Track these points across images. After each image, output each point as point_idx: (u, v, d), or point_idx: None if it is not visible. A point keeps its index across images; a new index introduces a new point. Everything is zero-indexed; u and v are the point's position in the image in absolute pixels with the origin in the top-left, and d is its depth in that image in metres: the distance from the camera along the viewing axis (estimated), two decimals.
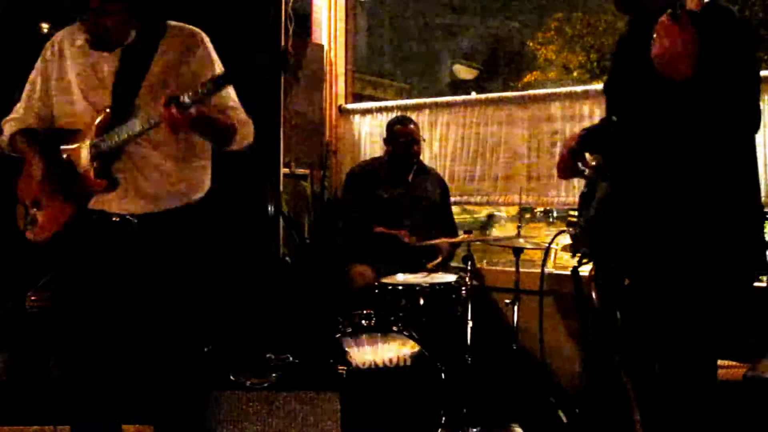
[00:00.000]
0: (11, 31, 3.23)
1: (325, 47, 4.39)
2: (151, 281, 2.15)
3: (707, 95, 1.71)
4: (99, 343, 2.14)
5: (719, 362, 2.47)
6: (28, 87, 2.28)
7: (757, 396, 2.35)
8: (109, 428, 2.22)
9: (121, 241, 2.15)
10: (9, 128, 2.29)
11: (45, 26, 3.31)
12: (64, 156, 2.17)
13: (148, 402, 2.25)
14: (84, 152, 2.13)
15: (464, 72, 23.88)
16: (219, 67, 2.20)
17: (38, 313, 2.94)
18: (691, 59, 1.65)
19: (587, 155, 2.16)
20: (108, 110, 2.11)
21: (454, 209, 4.12)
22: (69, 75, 2.18)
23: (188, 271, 2.22)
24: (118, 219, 2.15)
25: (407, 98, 6.09)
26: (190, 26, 2.25)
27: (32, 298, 2.96)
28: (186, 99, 1.90)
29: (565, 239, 2.35)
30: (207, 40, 2.24)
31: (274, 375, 2.75)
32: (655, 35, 1.69)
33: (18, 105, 2.30)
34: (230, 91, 2.21)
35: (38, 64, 2.27)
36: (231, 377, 2.73)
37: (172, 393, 2.19)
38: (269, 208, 3.75)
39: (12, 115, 2.30)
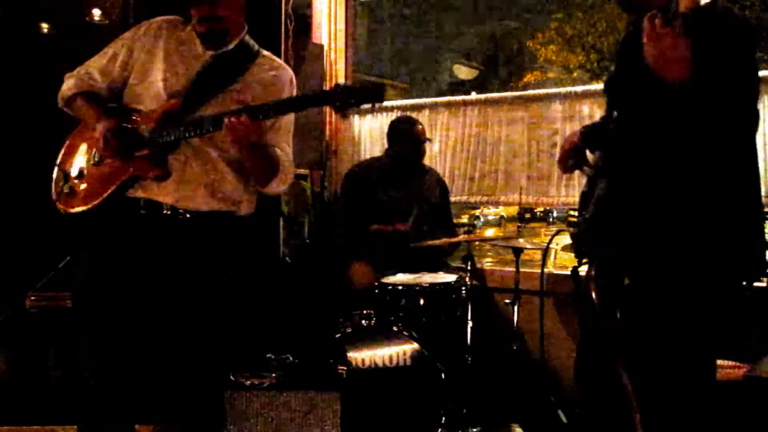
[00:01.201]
0: (11, 31, 3.23)
1: (325, 47, 4.39)
2: (190, 281, 2.12)
3: (706, 95, 1.71)
4: (123, 338, 2.08)
5: (719, 362, 2.47)
6: (110, 52, 2.24)
7: (757, 396, 2.35)
8: (122, 427, 2.18)
9: (168, 234, 2.11)
10: (76, 85, 2.22)
11: (45, 26, 3.32)
12: (125, 134, 2.12)
13: (163, 401, 2.23)
14: (144, 135, 2.11)
15: (464, 72, 23.90)
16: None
17: (38, 313, 2.95)
18: (685, 63, 1.65)
19: (588, 153, 2.17)
20: (177, 100, 2.10)
21: None
22: (157, 58, 2.17)
23: (226, 278, 2.21)
24: (168, 211, 2.11)
25: (407, 98, 6.08)
26: (282, 62, 2.32)
27: (32, 298, 2.96)
28: (256, 110, 1.97)
29: (565, 239, 2.36)
30: (294, 80, 2.30)
31: (274, 375, 2.74)
32: (645, 38, 1.69)
33: (90, 66, 2.25)
34: (288, 132, 2.26)
35: (128, 36, 2.25)
36: (231, 377, 2.73)
37: (192, 392, 2.17)
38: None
39: (78, 74, 2.24)
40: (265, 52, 2.29)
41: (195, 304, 2.12)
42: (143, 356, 2.11)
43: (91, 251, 2.16)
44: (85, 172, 2.20)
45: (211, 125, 2.03)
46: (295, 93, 2.29)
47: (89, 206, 2.14)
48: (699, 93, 1.70)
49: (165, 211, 2.11)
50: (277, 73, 2.27)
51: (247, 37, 2.25)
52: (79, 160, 2.23)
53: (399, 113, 4.25)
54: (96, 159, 2.18)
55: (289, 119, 2.27)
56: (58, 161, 2.28)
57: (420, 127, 3.77)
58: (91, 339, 2.10)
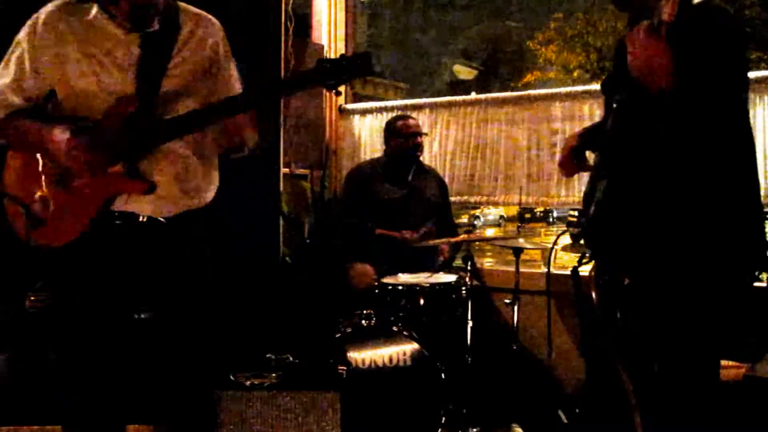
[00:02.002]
0: (11, 31, 3.23)
1: (325, 47, 4.39)
2: (175, 283, 1.98)
3: (699, 95, 1.72)
4: (114, 344, 1.96)
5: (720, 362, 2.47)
6: (13, 65, 1.94)
7: (757, 396, 2.35)
8: (113, 429, 2.09)
9: (150, 243, 1.94)
10: None
11: None
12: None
13: (151, 402, 2.22)
14: (112, 146, 1.85)
15: (464, 72, 23.92)
16: (233, 63, 2.08)
17: (38, 313, 2.94)
18: (666, 73, 1.66)
19: (588, 153, 2.17)
20: (133, 100, 1.86)
21: None
22: (72, 57, 1.90)
23: (207, 273, 2.07)
24: (145, 219, 1.92)
25: (407, 98, 6.08)
26: (206, 13, 2.05)
27: (32, 298, 2.95)
28: (223, 106, 1.84)
29: (566, 239, 2.36)
30: (223, 31, 2.07)
31: (274, 375, 2.74)
32: (629, 47, 1.71)
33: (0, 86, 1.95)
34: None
35: (23, 38, 1.94)
36: (231, 377, 2.73)
37: (178, 393, 2.12)
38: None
39: None
40: (181, 3, 2.03)
41: (180, 303, 2.00)
42: (131, 359, 1.99)
43: (78, 272, 1.96)
44: (51, 197, 1.91)
45: (196, 124, 1.89)
46: (226, 43, 2.07)
47: (74, 236, 1.90)
48: (687, 91, 1.70)
49: (141, 219, 1.93)
50: (206, 27, 2.03)
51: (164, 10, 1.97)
52: (37, 184, 1.92)
53: (399, 113, 4.25)
54: (60, 179, 1.90)
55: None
56: (4, 190, 1.96)
57: (413, 121, 3.79)
58: (77, 350, 1.97)
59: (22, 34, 1.95)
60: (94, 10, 1.92)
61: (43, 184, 1.90)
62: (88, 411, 2.01)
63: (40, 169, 1.91)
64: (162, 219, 1.94)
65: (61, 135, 1.83)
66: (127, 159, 1.86)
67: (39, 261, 2.03)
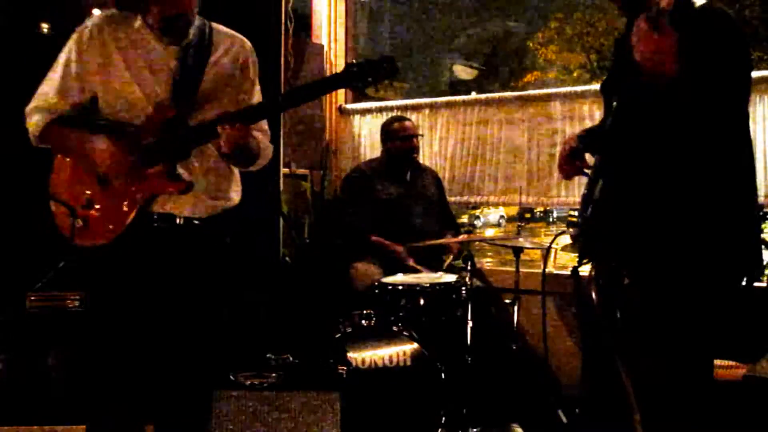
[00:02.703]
0: (11, 31, 3.23)
1: (325, 47, 4.39)
2: (203, 283, 2.10)
3: (699, 95, 1.72)
4: (148, 342, 2.05)
5: (719, 362, 2.47)
6: (60, 70, 2.07)
7: (757, 396, 2.35)
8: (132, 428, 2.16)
9: (187, 244, 2.07)
10: (40, 118, 2.08)
11: (45, 26, 3.31)
12: (126, 148, 2.00)
13: (152, 401, 2.22)
14: (151, 149, 2.00)
15: (464, 72, 23.92)
16: (257, 82, 2.24)
17: (38, 313, 2.94)
18: (671, 61, 1.66)
19: (587, 155, 2.17)
20: (173, 108, 2.01)
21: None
22: (117, 65, 2.04)
23: (229, 272, 2.20)
24: (182, 221, 2.06)
25: (407, 98, 6.09)
26: (238, 34, 2.22)
27: (32, 298, 2.96)
28: (251, 113, 1.97)
29: (566, 239, 2.36)
30: (254, 51, 2.24)
31: (274, 375, 2.74)
32: (633, 38, 1.70)
33: (45, 90, 2.09)
34: None
35: (72, 47, 2.07)
36: (231, 377, 2.73)
37: (178, 392, 2.14)
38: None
39: (38, 103, 2.10)
40: (216, 25, 2.19)
41: (209, 304, 2.13)
42: (158, 357, 2.08)
43: (112, 265, 2.08)
44: (94, 200, 2.05)
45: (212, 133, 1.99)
46: (256, 62, 2.23)
47: (114, 236, 2.03)
48: (687, 89, 1.70)
49: (178, 221, 2.08)
50: (238, 46, 2.19)
51: (197, 19, 2.12)
52: (81, 188, 2.07)
53: (399, 113, 4.25)
54: (102, 183, 2.04)
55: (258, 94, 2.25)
56: (51, 192, 2.10)
57: (408, 123, 3.79)
58: (116, 343, 2.07)
59: (71, 42, 2.09)
60: (138, 22, 2.07)
61: (88, 187, 2.05)
62: (115, 409, 2.09)
63: (84, 173, 2.05)
64: (196, 221, 2.09)
65: (101, 143, 1.99)
66: (166, 160, 2.00)
67: (83, 261, 2.15)
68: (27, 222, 2.97)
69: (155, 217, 2.05)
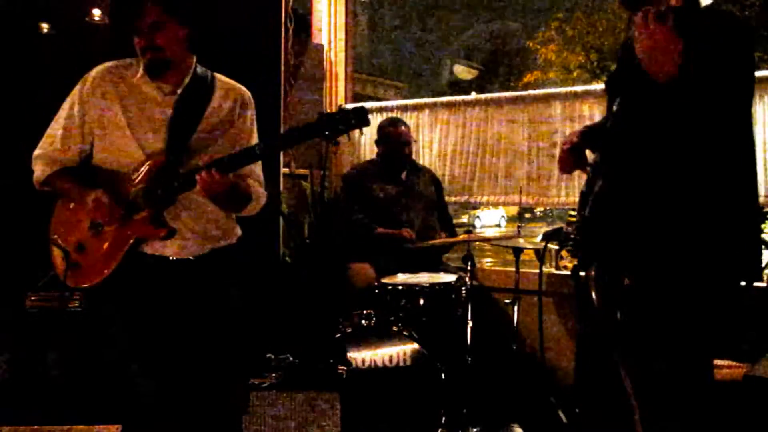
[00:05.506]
0: (11, 31, 3.23)
1: (325, 47, 4.39)
2: (204, 317, 2.17)
3: (702, 94, 1.72)
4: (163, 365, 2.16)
5: (719, 362, 2.47)
6: (64, 122, 2.17)
7: (757, 396, 2.35)
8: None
9: (179, 280, 2.15)
10: (46, 166, 2.19)
11: (45, 26, 3.31)
12: (116, 199, 2.10)
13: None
14: (139, 197, 2.09)
15: (464, 72, 23.92)
16: (255, 132, 2.28)
17: (38, 313, 2.94)
18: (674, 58, 1.65)
19: (587, 152, 2.17)
20: (163, 156, 2.09)
21: None
22: (116, 112, 2.13)
23: (234, 303, 2.28)
24: (174, 258, 2.15)
25: (407, 98, 6.08)
26: (239, 85, 2.28)
27: (32, 298, 2.96)
28: (226, 162, 2.00)
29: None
30: (252, 102, 2.29)
31: (274, 375, 2.74)
32: (636, 32, 1.70)
33: (50, 139, 2.18)
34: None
35: (74, 98, 2.17)
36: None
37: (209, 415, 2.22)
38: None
39: (44, 151, 2.19)
40: (219, 76, 2.26)
41: (212, 330, 2.19)
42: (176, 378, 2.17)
43: (115, 304, 2.19)
44: (86, 244, 2.15)
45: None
46: (254, 113, 2.30)
47: (100, 279, 2.13)
48: (688, 89, 1.70)
49: (171, 258, 2.15)
50: (239, 98, 2.25)
51: (199, 69, 2.20)
52: (76, 233, 2.18)
53: (399, 113, 4.25)
54: (94, 229, 2.15)
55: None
56: (52, 235, 2.21)
57: (403, 128, 3.78)
58: (141, 370, 2.17)
59: (75, 91, 2.18)
60: (140, 71, 2.14)
61: (82, 233, 2.16)
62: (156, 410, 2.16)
63: (79, 219, 2.17)
64: (191, 257, 2.17)
65: (94, 196, 2.07)
66: (151, 207, 2.09)
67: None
68: (27, 222, 2.98)
69: (147, 256, 2.14)
